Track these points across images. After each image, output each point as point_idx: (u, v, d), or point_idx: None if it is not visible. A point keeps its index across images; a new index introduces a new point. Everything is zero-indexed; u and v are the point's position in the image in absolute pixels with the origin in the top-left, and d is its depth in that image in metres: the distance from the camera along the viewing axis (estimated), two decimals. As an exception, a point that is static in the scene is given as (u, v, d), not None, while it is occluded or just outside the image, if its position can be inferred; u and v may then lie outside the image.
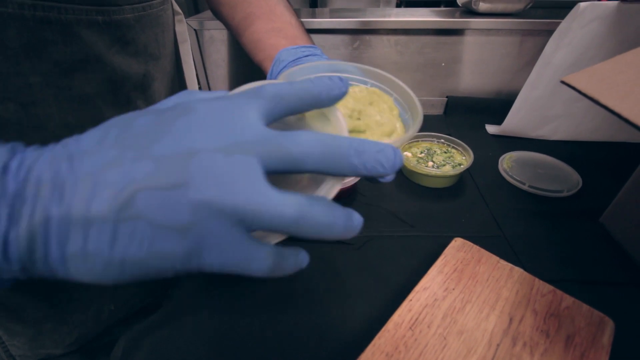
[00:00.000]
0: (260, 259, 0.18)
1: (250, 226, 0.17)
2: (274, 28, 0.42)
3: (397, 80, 0.32)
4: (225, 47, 0.71)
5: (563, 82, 0.32)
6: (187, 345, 0.32)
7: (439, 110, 0.76)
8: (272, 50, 0.40)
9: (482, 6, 0.67)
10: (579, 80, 0.31)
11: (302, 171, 0.19)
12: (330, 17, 0.70)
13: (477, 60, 0.70)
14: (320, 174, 0.20)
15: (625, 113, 0.26)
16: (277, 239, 0.22)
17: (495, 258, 0.37)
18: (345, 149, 0.18)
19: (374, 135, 0.28)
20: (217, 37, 0.70)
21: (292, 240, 0.25)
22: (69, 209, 0.16)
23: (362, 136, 0.28)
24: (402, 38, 0.68)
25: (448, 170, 0.51)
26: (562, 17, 0.51)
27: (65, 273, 0.17)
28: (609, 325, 0.31)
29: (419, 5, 1.23)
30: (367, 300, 0.36)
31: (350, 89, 0.31)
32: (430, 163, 0.54)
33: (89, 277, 0.17)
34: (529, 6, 0.68)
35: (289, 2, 0.47)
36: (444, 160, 0.54)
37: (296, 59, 0.38)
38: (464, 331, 0.30)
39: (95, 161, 0.16)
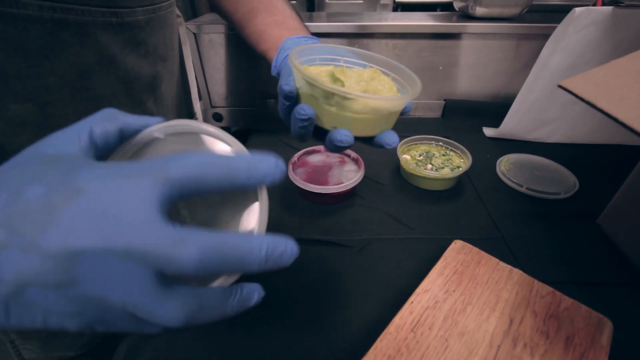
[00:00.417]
0: (169, 315, 0.18)
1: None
2: (276, 21, 0.44)
3: (393, 61, 0.35)
4: (224, 51, 0.71)
5: (560, 87, 0.33)
6: (187, 349, 0.32)
7: (436, 113, 0.76)
8: (275, 41, 0.43)
9: (479, 10, 0.67)
10: (576, 84, 0.32)
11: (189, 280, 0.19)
12: (327, 21, 0.70)
13: (474, 63, 0.70)
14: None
15: (621, 117, 0.27)
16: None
17: (494, 260, 0.37)
18: (241, 255, 0.18)
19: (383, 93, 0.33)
20: (216, 41, 0.70)
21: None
22: None
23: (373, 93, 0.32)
24: (400, 42, 0.69)
25: (447, 172, 0.52)
26: (558, 21, 0.52)
27: None
28: (608, 326, 0.31)
29: (415, 9, 1.24)
30: (368, 302, 0.36)
31: (355, 69, 0.35)
32: (429, 166, 0.54)
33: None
34: (525, 10, 0.68)
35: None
36: (443, 162, 0.55)
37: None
38: (465, 333, 0.30)
39: None
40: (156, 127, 0.23)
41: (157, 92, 0.40)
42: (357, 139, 0.32)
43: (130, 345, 0.33)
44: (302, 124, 0.31)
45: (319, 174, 0.51)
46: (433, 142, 0.59)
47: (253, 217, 0.25)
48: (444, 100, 0.75)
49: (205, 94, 0.77)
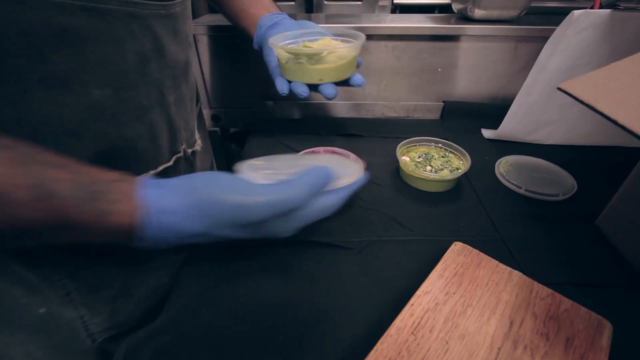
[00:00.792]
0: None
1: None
2: (250, 1, 0.54)
3: (343, 30, 0.50)
4: (222, 52, 0.71)
5: (559, 89, 0.33)
6: (187, 351, 0.32)
7: (435, 115, 0.77)
8: (253, 18, 0.53)
9: (478, 13, 0.67)
10: (575, 86, 0.32)
11: None
12: (326, 23, 0.70)
13: (472, 65, 0.71)
14: None
15: (621, 119, 0.27)
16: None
17: (494, 262, 0.37)
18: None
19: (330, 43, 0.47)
20: (214, 42, 0.70)
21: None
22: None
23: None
24: (399, 44, 0.69)
25: (446, 174, 0.52)
26: (557, 24, 0.52)
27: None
28: (607, 328, 0.31)
29: (413, 11, 1.24)
30: (368, 305, 0.36)
31: (307, 42, 0.48)
32: (429, 167, 0.54)
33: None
34: (523, 13, 0.69)
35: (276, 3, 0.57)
36: (442, 164, 0.55)
37: (272, 24, 0.52)
38: (465, 335, 0.30)
39: None
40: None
41: (188, 75, 0.44)
42: (337, 84, 0.48)
43: (130, 346, 0.33)
44: (303, 95, 0.47)
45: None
46: (432, 143, 0.59)
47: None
48: (443, 102, 0.75)
49: (203, 95, 0.77)
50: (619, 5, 0.50)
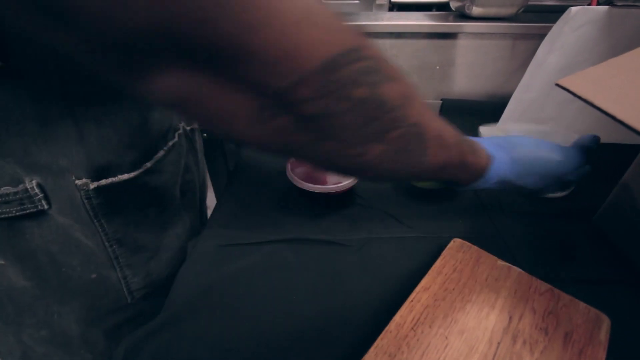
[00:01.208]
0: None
1: None
2: None
3: None
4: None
5: (558, 85, 0.33)
6: (187, 349, 0.32)
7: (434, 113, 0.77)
8: None
9: (475, 10, 0.68)
10: (573, 83, 0.32)
11: None
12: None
13: (470, 63, 0.71)
14: None
15: (619, 115, 0.27)
16: None
17: (493, 258, 0.37)
18: None
19: None
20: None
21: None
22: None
23: None
24: (397, 42, 0.69)
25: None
26: (554, 21, 0.52)
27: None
28: (605, 322, 0.31)
29: (411, 9, 1.24)
30: (368, 301, 0.36)
31: None
32: (427, 165, 0.54)
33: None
34: (521, 10, 0.69)
35: None
36: (440, 161, 0.55)
37: None
38: (465, 330, 0.30)
39: None
40: None
41: None
42: None
43: (130, 346, 0.33)
44: None
45: (318, 174, 0.51)
46: (431, 141, 0.59)
47: None
48: (441, 99, 0.75)
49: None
50: (616, 2, 0.50)
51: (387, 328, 0.30)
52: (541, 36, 0.54)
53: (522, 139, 0.40)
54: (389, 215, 0.47)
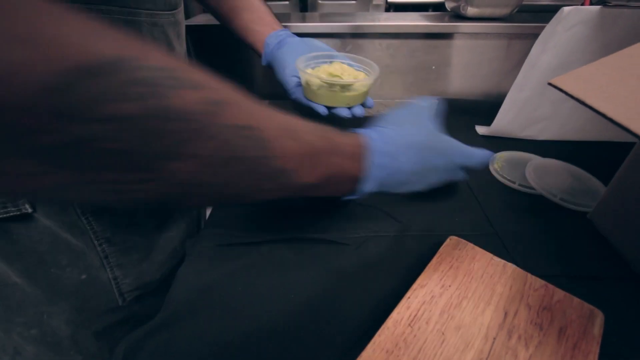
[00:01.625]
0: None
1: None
2: (255, 18, 0.58)
3: (355, 56, 0.56)
4: (217, 52, 0.72)
5: (550, 84, 0.33)
6: (186, 348, 0.33)
7: (430, 112, 0.77)
8: (259, 35, 0.57)
9: (470, 11, 0.68)
10: (566, 82, 0.33)
11: None
12: (320, 22, 0.71)
13: (466, 63, 0.71)
14: None
15: (610, 113, 0.28)
16: None
17: (489, 255, 0.38)
18: None
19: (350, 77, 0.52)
20: (209, 42, 0.70)
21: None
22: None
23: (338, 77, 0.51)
24: (393, 42, 0.69)
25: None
26: (547, 21, 0.53)
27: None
28: (599, 317, 0.32)
29: (407, 10, 1.25)
30: (365, 299, 0.37)
31: (332, 66, 0.53)
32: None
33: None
34: (515, 10, 0.70)
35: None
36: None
37: (278, 42, 0.56)
38: (461, 326, 0.31)
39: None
40: None
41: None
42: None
43: (129, 345, 0.33)
44: (325, 114, 0.52)
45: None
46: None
47: None
48: (437, 99, 0.75)
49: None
50: (609, 2, 0.51)
51: (384, 325, 0.31)
52: (535, 36, 0.55)
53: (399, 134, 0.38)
54: (387, 214, 0.48)
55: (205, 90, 0.21)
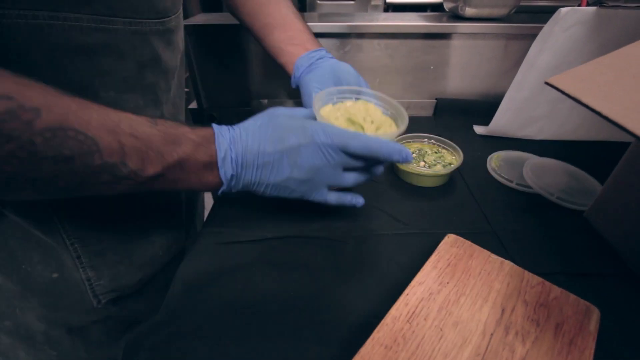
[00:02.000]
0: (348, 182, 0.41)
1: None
2: (287, 37, 0.54)
3: (387, 97, 0.47)
4: (216, 51, 0.72)
5: (547, 84, 0.34)
6: (186, 345, 0.33)
7: (428, 112, 0.78)
8: (290, 56, 0.53)
9: (468, 11, 0.69)
10: (563, 81, 0.33)
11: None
12: (319, 22, 0.71)
13: (464, 63, 0.72)
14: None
15: (605, 112, 0.28)
16: None
17: (486, 252, 0.38)
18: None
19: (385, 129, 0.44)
20: (208, 42, 0.70)
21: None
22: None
23: (377, 131, 0.44)
24: (392, 42, 0.70)
25: (439, 169, 0.53)
26: (545, 21, 0.54)
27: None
28: (595, 313, 0.32)
29: (406, 10, 1.26)
30: (364, 296, 0.37)
31: (357, 104, 0.46)
32: (422, 163, 0.55)
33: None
34: (513, 11, 0.70)
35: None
36: (435, 160, 0.56)
37: (310, 64, 0.51)
38: (459, 322, 0.31)
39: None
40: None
41: (179, 77, 0.49)
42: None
43: (129, 344, 0.33)
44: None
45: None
46: (425, 139, 0.60)
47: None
48: (436, 99, 0.76)
49: (198, 95, 0.77)
50: (605, 3, 0.52)
51: (383, 321, 0.31)
52: (533, 36, 0.55)
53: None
54: (385, 213, 0.48)
55: (14, 100, 0.24)
